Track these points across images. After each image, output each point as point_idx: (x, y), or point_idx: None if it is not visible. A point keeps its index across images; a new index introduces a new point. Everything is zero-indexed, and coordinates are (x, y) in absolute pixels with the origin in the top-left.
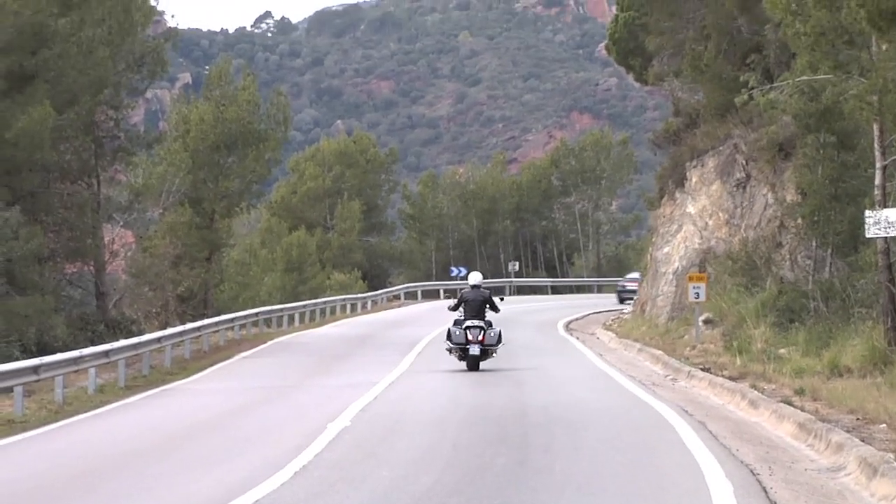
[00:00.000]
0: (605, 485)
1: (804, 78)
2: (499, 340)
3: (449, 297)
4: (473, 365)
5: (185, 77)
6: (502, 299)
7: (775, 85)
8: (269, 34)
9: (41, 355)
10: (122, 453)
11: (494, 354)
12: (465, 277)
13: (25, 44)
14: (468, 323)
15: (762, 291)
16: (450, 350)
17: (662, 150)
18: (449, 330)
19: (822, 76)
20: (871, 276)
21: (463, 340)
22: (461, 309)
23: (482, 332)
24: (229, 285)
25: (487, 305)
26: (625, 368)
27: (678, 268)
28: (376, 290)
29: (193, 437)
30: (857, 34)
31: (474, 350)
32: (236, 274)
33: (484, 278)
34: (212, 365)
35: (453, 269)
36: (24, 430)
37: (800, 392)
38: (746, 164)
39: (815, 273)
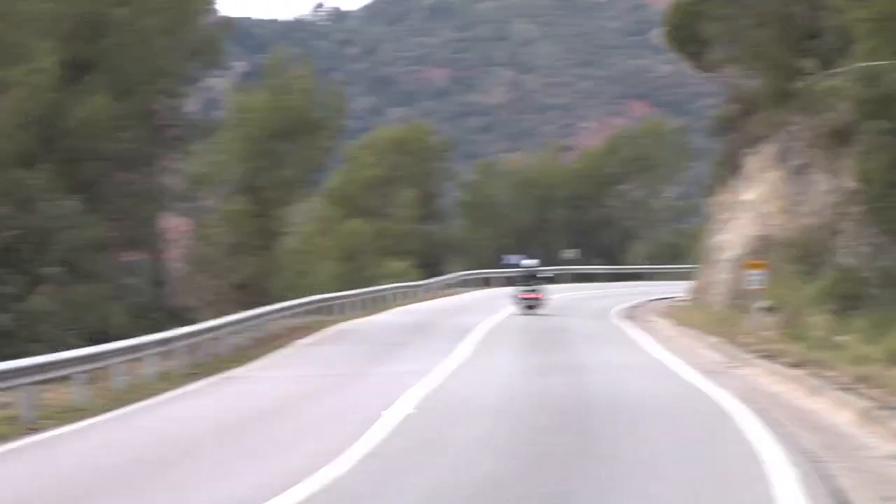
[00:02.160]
0: (669, 472)
1: (864, 64)
2: (544, 297)
3: (505, 285)
4: (529, 310)
5: (241, 66)
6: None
7: (834, 71)
8: (324, 23)
9: (100, 343)
10: (183, 440)
11: (542, 306)
12: (518, 265)
13: (84, 33)
14: (525, 287)
15: (821, 279)
16: (515, 303)
17: (719, 137)
18: (514, 291)
19: (882, 62)
20: None
21: (522, 297)
22: (523, 278)
23: (533, 292)
24: (286, 273)
25: (539, 277)
26: (683, 356)
27: (735, 255)
28: (432, 277)
29: (254, 425)
30: None
31: (529, 303)
32: (293, 262)
33: (540, 266)
34: (270, 353)
35: (506, 257)
36: (85, 417)
37: (860, 379)
38: (804, 151)
39: (874, 260)
